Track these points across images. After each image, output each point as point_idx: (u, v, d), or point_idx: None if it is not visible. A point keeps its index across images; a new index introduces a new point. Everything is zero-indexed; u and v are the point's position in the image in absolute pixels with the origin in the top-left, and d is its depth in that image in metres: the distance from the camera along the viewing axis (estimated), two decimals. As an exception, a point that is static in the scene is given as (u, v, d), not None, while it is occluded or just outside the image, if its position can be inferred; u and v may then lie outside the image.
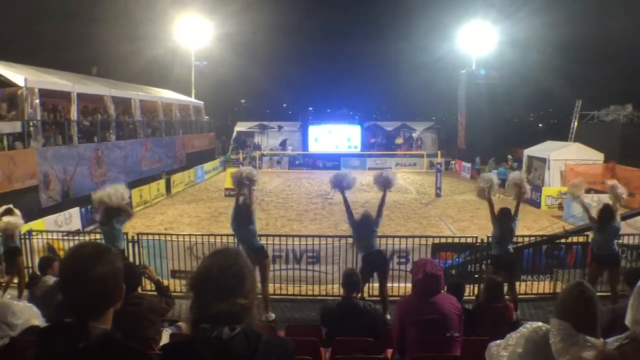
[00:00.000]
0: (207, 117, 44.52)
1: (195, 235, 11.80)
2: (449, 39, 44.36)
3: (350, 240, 10.65)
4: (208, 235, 11.56)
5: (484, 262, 10.54)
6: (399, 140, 46.18)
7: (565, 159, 24.61)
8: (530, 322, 2.96)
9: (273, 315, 9.29)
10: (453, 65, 45.38)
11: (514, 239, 9.80)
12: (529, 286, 10.99)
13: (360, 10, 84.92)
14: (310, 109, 64.97)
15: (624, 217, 11.07)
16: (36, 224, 14.59)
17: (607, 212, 9.29)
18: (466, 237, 11.40)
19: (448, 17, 45.30)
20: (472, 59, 41.08)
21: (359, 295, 7.04)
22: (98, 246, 2.22)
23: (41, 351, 2.07)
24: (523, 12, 41.71)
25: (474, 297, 9.46)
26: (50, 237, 12.25)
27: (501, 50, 40.81)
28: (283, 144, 45.90)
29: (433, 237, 11.97)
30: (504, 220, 9.28)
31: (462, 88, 40.59)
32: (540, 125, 70.43)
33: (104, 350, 2.03)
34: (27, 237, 11.49)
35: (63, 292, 2.14)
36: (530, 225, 18.37)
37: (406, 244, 11.09)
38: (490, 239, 9.75)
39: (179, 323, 6.32)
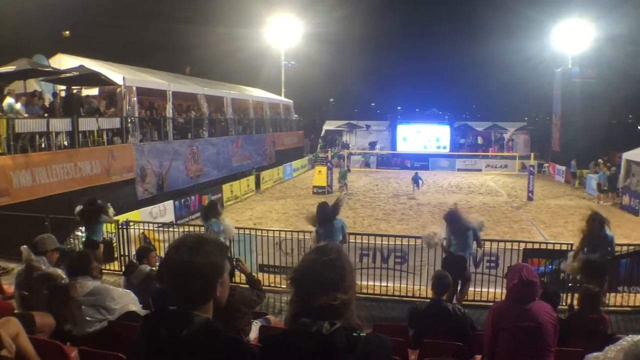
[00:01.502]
0: (296, 115, 45.04)
1: (284, 231, 11.92)
2: (542, 36, 42.81)
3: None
4: (296, 231, 11.66)
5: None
6: (480, 140, 45.23)
7: (667, 163, 23.18)
8: (630, 336, 2.82)
9: None
10: (547, 63, 43.76)
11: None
12: (625, 298, 10.43)
13: (450, 9, 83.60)
14: (399, 108, 64.50)
15: None
16: (132, 215, 15.22)
17: None
18: (560, 243, 10.91)
19: (541, 14, 43.70)
20: (567, 56, 39.41)
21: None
22: (200, 237, 2.26)
23: (145, 336, 2.14)
24: (626, 7, 39.55)
25: (566, 307, 9.10)
26: (145, 227, 12.75)
27: (599, 47, 38.63)
28: (372, 146, 45.85)
29: (525, 242, 11.58)
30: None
31: (557, 87, 38.98)
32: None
33: (205, 338, 2.07)
34: (124, 227, 11.98)
35: (168, 281, 2.19)
36: (628, 234, 17.42)
37: (497, 247, 10.81)
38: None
39: (267, 316, 6.41)
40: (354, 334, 2.06)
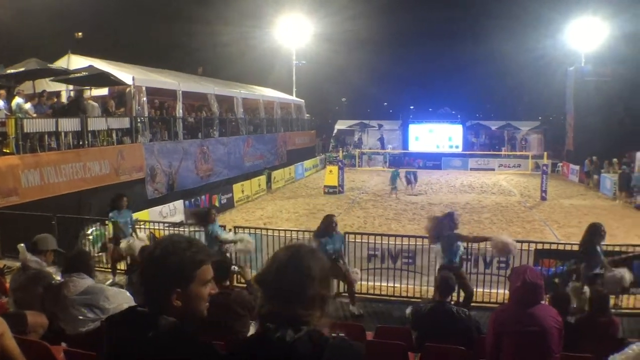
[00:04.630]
0: (308, 115, 44.92)
1: (294, 230, 11.79)
2: (555, 34, 42.45)
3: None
4: (306, 231, 11.54)
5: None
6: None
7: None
8: (636, 343, 2.69)
9: (360, 311, 9.27)
10: (560, 61, 43.33)
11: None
12: (639, 300, 10.13)
13: (462, 7, 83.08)
14: (412, 107, 64.32)
15: None
16: (141, 215, 15.19)
17: None
18: (572, 244, 10.47)
19: (553, 12, 43.40)
20: (581, 55, 38.99)
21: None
22: (173, 237, 2.20)
23: (110, 337, 2.08)
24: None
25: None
26: (153, 227, 12.70)
27: (614, 46, 37.99)
28: (381, 141, 45.66)
29: (536, 242, 11.35)
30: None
31: (570, 86, 38.48)
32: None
33: (172, 341, 1.99)
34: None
35: (143, 281, 2.12)
36: (642, 234, 17.15)
37: (509, 248, 10.61)
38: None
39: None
40: (320, 341, 1.93)
